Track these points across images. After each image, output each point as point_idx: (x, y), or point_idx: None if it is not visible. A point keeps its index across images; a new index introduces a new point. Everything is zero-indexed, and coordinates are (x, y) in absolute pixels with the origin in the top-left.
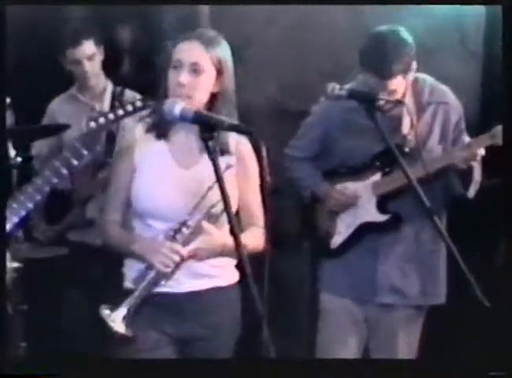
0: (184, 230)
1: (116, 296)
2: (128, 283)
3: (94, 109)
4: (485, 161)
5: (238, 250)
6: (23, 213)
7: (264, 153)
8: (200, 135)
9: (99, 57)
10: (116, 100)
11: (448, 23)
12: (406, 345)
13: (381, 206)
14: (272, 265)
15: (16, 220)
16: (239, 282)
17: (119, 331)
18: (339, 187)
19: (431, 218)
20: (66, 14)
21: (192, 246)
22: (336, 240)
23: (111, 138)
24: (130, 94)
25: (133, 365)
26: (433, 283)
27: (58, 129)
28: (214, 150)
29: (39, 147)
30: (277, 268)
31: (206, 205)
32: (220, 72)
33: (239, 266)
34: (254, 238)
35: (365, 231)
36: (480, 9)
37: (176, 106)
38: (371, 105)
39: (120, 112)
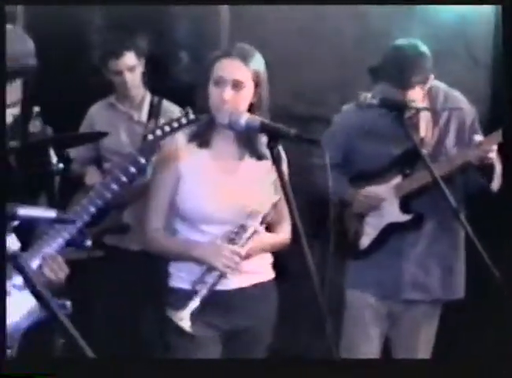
0: (242, 233)
1: (155, 294)
2: (176, 283)
3: (132, 118)
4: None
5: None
6: (86, 218)
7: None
8: (266, 144)
9: (140, 69)
10: (155, 110)
11: (453, 30)
12: (425, 337)
13: (404, 207)
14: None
15: (80, 224)
16: (276, 278)
17: (185, 328)
18: (363, 191)
19: (455, 214)
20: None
21: (247, 247)
22: (364, 241)
23: None
24: (167, 104)
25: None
26: (453, 279)
27: (97, 136)
28: (279, 157)
29: (76, 151)
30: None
31: (261, 210)
32: (257, 84)
33: (275, 264)
34: (288, 234)
35: (390, 231)
36: (486, 17)
37: (242, 117)
38: (401, 112)
39: (175, 124)
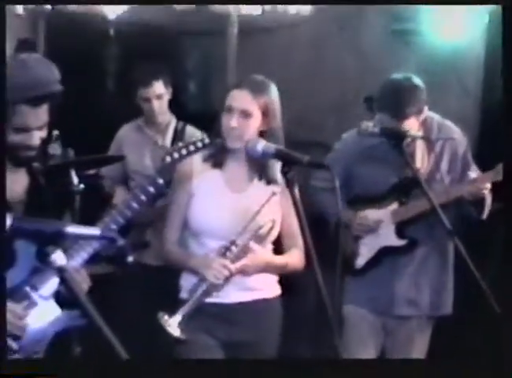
0: (233, 248)
1: (171, 306)
2: (183, 294)
3: (157, 142)
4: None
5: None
6: (111, 234)
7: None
8: (280, 169)
9: (167, 97)
10: (178, 135)
11: (445, 63)
12: (418, 349)
13: (399, 232)
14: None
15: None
16: (282, 295)
17: (174, 334)
18: (361, 214)
19: (452, 237)
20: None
21: (240, 262)
22: (360, 261)
23: None
24: (190, 129)
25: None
26: (443, 296)
27: (114, 160)
28: (293, 182)
29: (106, 170)
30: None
31: (254, 227)
32: (265, 114)
33: (281, 281)
34: (296, 258)
35: (384, 253)
36: (476, 50)
37: (259, 144)
38: (400, 141)
39: (192, 148)
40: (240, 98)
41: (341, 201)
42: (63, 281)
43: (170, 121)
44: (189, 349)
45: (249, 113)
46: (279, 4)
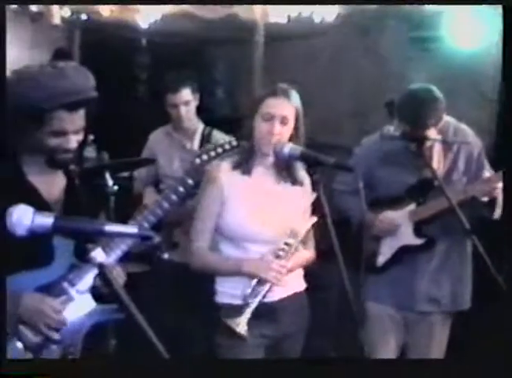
0: (288, 250)
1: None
2: (221, 298)
3: (185, 147)
4: None
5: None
6: (148, 232)
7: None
8: (306, 170)
9: (194, 103)
10: (206, 139)
11: (462, 69)
12: (438, 343)
13: (417, 231)
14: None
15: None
16: (307, 289)
17: (242, 333)
18: (381, 216)
19: (469, 235)
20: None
21: (291, 262)
22: (381, 260)
23: None
24: (217, 134)
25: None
26: (461, 292)
27: (145, 163)
28: (318, 182)
29: (138, 172)
30: (331, 282)
31: (300, 230)
32: (296, 118)
33: (306, 276)
34: (313, 252)
35: (404, 252)
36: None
37: (286, 147)
38: (420, 144)
39: (220, 150)
40: (280, 106)
41: (364, 202)
42: (102, 277)
43: (197, 126)
44: (236, 351)
45: (287, 120)
46: (280, 4)
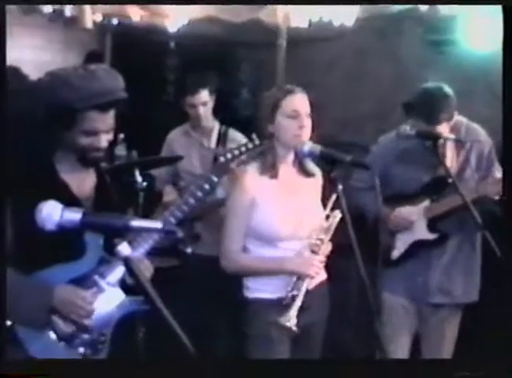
0: (321, 244)
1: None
2: (253, 294)
3: (203, 144)
4: None
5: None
6: (172, 227)
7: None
8: (325, 168)
9: (211, 104)
10: (222, 137)
11: (476, 69)
12: (449, 334)
13: (431, 227)
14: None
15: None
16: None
17: (292, 328)
18: (396, 212)
19: (480, 230)
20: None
21: (324, 255)
22: (395, 254)
23: None
24: (232, 132)
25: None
26: (472, 285)
27: (175, 160)
28: (336, 179)
29: (158, 171)
30: (349, 274)
31: (330, 225)
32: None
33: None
34: (330, 244)
35: (418, 246)
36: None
37: (306, 145)
38: (434, 142)
39: (243, 149)
40: (303, 102)
41: (380, 198)
42: (128, 270)
43: (214, 125)
44: (269, 342)
45: (310, 115)
46: (286, 4)
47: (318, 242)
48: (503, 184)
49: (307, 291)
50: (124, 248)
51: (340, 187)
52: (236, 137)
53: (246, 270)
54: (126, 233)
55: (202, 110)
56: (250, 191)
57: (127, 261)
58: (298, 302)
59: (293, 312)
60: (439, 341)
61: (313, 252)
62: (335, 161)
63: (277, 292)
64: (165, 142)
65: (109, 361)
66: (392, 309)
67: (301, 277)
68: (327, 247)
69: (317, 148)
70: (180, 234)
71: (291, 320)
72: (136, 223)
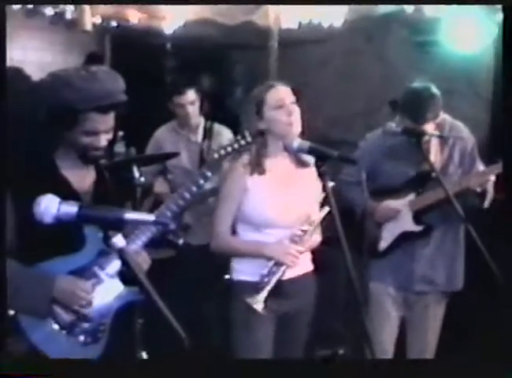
0: (303, 235)
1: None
2: (239, 276)
3: (190, 139)
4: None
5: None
6: (164, 219)
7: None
8: (314, 163)
9: (198, 102)
10: (207, 132)
11: (459, 69)
12: (434, 320)
13: (416, 219)
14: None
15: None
16: (316, 271)
17: (259, 310)
18: (383, 204)
19: (465, 223)
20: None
21: (305, 246)
22: (382, 245)
23: None
24: (218, 127)
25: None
26: (455, 274)
27: (170, 156)
28: (325, 174)
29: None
30: (336, 265)
31: (314, 217)
32: None
33: (313, 259)
34: (319, 236)
35: (404, 237)
36: (488, 59)
37: (295, 141)
38: (419, 139)
39: (236, 145)
40: (286, 93)
41: (367, 192)
42: (123, 261)
43: (200, 121)
44: (251, 324)
45: (295, 102)
46: (282, 4)
47: (300, 232)
48: (504, 183)
49: (291, 280)
50: (118, 240)
51: (328, 180)
52: (221, 131)
53: (230, 251)
54: (121, 226)
55: (190, 109)
56: (243, 179)
57: (121, 253)
58: (269, 287)
59: (262, 295)
60: (424, 326)
61: (294, 242)
62: (323, 156)
63: (257, 275)
64: (152, 139)
65: (109, 361)
66: (379, 297)
67: (277, 263)
68: (312, 239)
69: (306, 144)
70: (173, 226)
71: (258, 302)
72: (130, 215)
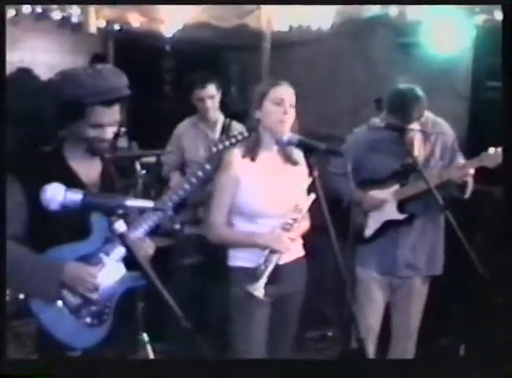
0: (294, 223)
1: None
2: (236, 263)
3: (208, 136)
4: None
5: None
6: (162, 206)
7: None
8: (303, 155)
9: (218, 97)
10: (226, 129)
11: (440, 70)
12: (417, 304)
13: (400, 208)
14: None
15: (163, 214)
16: (306, 255)
17: (260, 296)
18: (370, 194)
19: (443, 211)
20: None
21: (296, 234)
22: (368, 232)
23: None
24: (235, 124)
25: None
26: (435, 259)
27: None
28: (313, 165)
29: (165, 159)
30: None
31: (303, 205)
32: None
33: (304, 244)
34: (308, 223)
35: (388, 225)
36: (467, 60)
37: (285, 135)
38: (401, 134)
39: (233, 140)
40: (288, 93)
41: (352, 183)
42: (125, 246)
43: (219, 118)
44: (248, 307)
45: (293, 105)
46: (278, 4)
47: (291, 221)
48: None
49: (284, 265)
50: (119, 225)
51: (316, 172)
52: (238, 129)
53: (226, 242)
54: (124, 212)
55: (209, 103)
56: (235, 171)
57: (122, 238)
58: (267, 273)
59: (261, 282)
60: (408, 309)
61: (286, 230)
62: (311, 148)
63: (253, 262)
64: (174, 133)
65: (109, 360)
66: (366, 282)
67: (272, 251)
68: (302, 226)
69: (296, 137)
70: (170, 212)
71: (258, 289)
72: (130, 202)
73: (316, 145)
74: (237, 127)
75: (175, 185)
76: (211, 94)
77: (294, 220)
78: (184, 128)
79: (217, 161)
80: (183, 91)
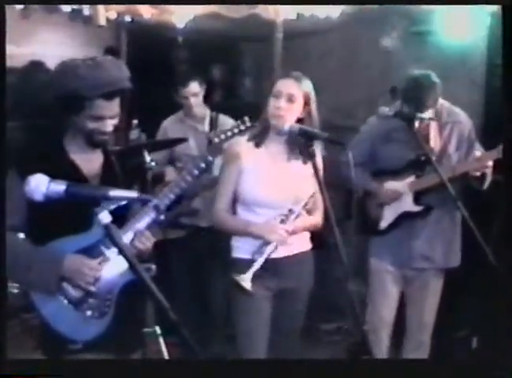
0: (290, 215)
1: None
2: (237, 253)
3: (198, 129)
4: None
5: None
6: (167, 202)
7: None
8: (304, 144)
9: (202, 94)
10: (213, 122)
11: (456, 58)
12: (432, 296)
13: (416, 200)
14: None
15: (162, 206)
16: (313, 248)
17: (247, 288)
18: (386, 186)
19: (456, 204)
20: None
21: (294, 226)
22: (383, 224)
23: None
24: (223, 117)
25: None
26: (451, 252)
27: (179, 142)
28: (313, 154)
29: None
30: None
31: (304, 197)
32: (306, 102)
33: (312, 238)
34: (320, 218)
35: (404, 217)
36: (482, 47)
37: (285, 125)
38: (411, 122)
39: (236, 130)
40: (287, 85)
41: (368, 174)
42: (109, 236)
43: (205, 112)
44: (248, 300)
45: (294, 98)
46: (285, 4)
47: (288, 213)
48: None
49: (285, 258)
50: (104, 216)
51: (317, 160)
52: (226, 121)
53: (224, 228)
54: (106, 201)
55: (193, 100)
56: (239, 158)
57: (107, 228)
58: (256, 265)
59: (249, 274)
60: (423, 302)
61: (281, 221)
62: (313, 137)
63: (251, 253)
64: (160, 129)
65: (109, 360)
66: (379, 273)
67: (266, 242)
68: (307, 220)
69: (296, 126)
70: (154, 201)
71: (244, 280)
72: (114, 193)
73: (317, 133)
74: (225, 120)
75: (175, 178)
76: (194, 91)
77: (290, 211)
78: (170, 124)
79: (219, 151)
80: (170, 89)
